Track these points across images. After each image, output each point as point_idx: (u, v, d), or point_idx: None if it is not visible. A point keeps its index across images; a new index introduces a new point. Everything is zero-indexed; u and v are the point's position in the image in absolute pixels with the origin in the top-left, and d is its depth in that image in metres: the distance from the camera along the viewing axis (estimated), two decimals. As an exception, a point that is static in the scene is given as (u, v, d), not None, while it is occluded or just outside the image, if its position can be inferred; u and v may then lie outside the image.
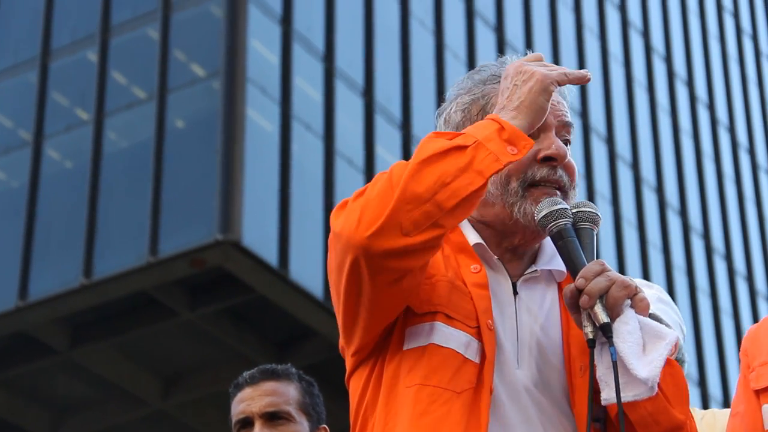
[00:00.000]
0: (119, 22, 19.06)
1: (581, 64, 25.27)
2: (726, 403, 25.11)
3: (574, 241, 2.31)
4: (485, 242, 2.38)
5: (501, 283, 2.36)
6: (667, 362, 2.25)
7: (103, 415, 19.23)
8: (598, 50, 26.17)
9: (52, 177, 18.81)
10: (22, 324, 17.86)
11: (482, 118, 2.36)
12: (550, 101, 2.31)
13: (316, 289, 17.49)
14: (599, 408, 2.27)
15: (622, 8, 27.44)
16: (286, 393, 3.55)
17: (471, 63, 22.28)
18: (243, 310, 17.95)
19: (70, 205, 18.24)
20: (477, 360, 2.26)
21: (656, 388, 2.21)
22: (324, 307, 17.53)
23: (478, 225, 2.40)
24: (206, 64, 18.29)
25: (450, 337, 2.27)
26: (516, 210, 2.34)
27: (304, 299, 17.42)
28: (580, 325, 2.26)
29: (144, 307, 17.79)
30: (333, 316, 18.66)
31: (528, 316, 2.34)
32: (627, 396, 2.21)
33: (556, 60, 24.41)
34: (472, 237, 2.38)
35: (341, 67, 19.51)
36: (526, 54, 2.40)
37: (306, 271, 17.46)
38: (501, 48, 23.20)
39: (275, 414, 3.50)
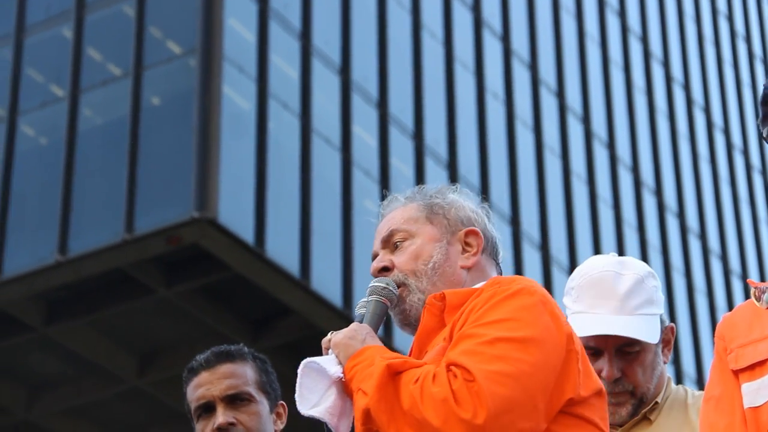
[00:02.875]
0: (95, -2, 18.98)
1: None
2: (700, 381, 25.29)
3: (365, 314, 2.76)
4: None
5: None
6: (360, 352, 2.61)
7: (79, 391, 19.23)
8: (575, 29, 26.22)
9: (27, 153, 18.74)
10: (-3, 301, 17.83)
11: None
12: (379, 233, 2.88)
13: (292, 267, 17.50)
14: None
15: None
16: (243, 374, 3.55)
17: (448, 42, 22.28)
18: (219, 287, 17.95)
19: (45, 181, 18.18)
20: None
21: (323, 418, 2.59)
22: (300, 285, 17.55)
23: None
24: (182, 42, 18.23)
25: None
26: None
27: (281, 277, 17.43)
28: None
29: (120, 284, 17.77)
30: (309, 294, 18.72)
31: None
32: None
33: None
34: None
35: (318, 45, 19.48)
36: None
37: (282, 249, 17.46)
38: (477, 28, 23.20)
39: (236, 396, 3.51)
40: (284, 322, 18.16)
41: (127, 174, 17.36)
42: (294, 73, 19.02)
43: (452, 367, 2.48)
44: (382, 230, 2.88)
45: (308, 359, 2.64)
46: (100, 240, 17.19)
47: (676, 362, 25.31)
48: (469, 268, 2.82)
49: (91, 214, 17.62)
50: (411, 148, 20.80)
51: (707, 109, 30.39)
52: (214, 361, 3.55)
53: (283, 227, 17.61)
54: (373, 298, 2.75)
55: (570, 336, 2.61)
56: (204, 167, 16.91)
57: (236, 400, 3.50)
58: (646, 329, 3.25)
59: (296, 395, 2.62)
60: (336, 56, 19.82)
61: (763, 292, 2.58)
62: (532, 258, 22.50)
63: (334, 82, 19.67)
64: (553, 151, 24.35)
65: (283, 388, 3.65)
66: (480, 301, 2.62)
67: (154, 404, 19.36)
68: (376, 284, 2.77)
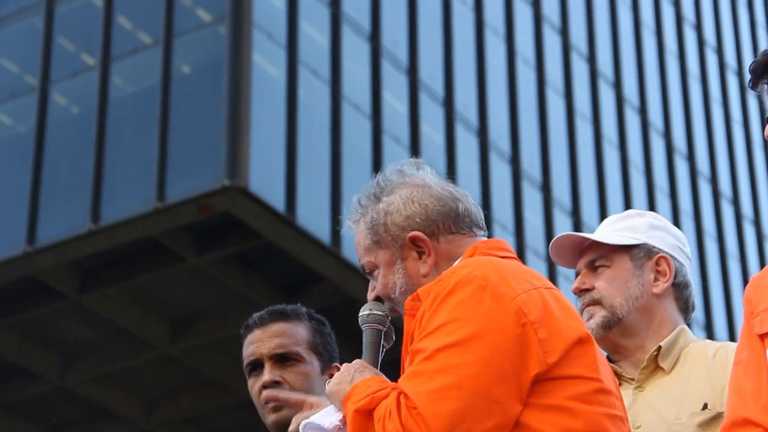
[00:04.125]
0: (125, -34, 18.99)
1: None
2: (732, 348, 25.19)
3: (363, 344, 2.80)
4: None
5: None
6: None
7: (112, 358, 19.37)
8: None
9: (58, 122, 18.81)
10: (31, 269, 17.95)
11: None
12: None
13: (323, 234, 17.53)
14: None
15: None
16: (295, 333, 3.55)
17: (478, 7, 22.18)
18: (250, 255, 18.01)
19: (77, 150, 18.26)
20: None
21: None
22: (331, 252, 17.58)
23: None
24: (212, 9, 18.22)
25: None
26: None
27: (311, 245, 17.47)
28: None
29: (151, 252, 17.85)
30: (339, 261, 18.77)
31: None
32: None
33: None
34: None
35: (347, 12, 19.43)
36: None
37: (313, 216, 17.49)
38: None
39: (285, 355, 3.51)
40: (315, 290, 18.21)
41: (158, 142, 17.40)
42: (324, 40, 18.99)
43: (400, 398, 2.50)
44: (357, 254, 2.93)
45: (305, 421, 2.73)
46: (132, 208, 17.26)
47: (709, 329, 25.24)
48: (426, 275, 2.77)
49: (123, 182, 17.69)
50: (441, 115, 20.75)
51: (740, 73, 30.16)
52: (268, 319, 3.56)
53: (314, 195, 17.63)
54: (364, 328, 2.78)
55: (519, 310, 2.55)
56: (234, 135, 16.93)
57: (284, 359, 3.49)
58: (598, 235, 3.35)
59: None
60: (366, 23, 19.77)
61: None
62: (563, 224, 22.44)
63: (364, 49, 19.63)
64: (584, 116, 24.24)
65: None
66: (427, 304, 2.61)
67: (186, 371, 19.48)
68: (361, 314, 2.80)
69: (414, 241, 2.78)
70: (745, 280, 27.10)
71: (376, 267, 2.82)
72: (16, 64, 19.65)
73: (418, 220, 2.79)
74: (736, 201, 28.30)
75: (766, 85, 2.57)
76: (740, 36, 30.73)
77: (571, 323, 2.62)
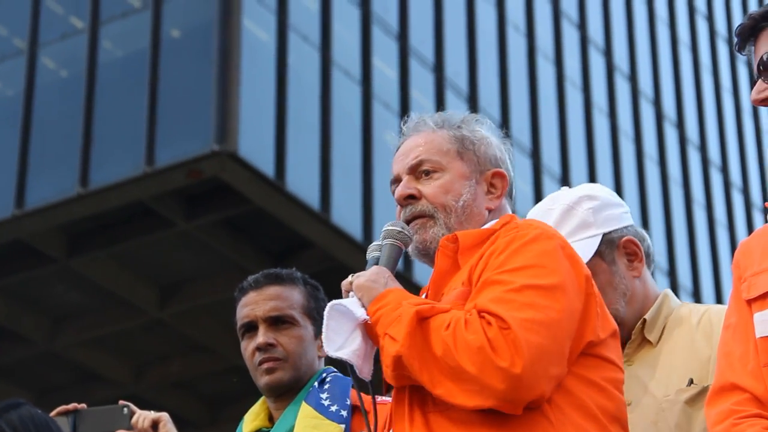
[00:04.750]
0: (114, -71, 18.87)
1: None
2: (719, 315, 25.27)
3: (380, 256, 2.75)
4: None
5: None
6: (407, 334, 2.53)
7: (101, 322, 19.38)
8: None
9: (47, 86, 18.73)
10: (20, 232, 17.92)
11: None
12: (406, 153, 2.84)
13: (312, 200, 17.52)
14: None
15: None
16: (290, 297, 3.56)
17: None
18: (239, 220, 18.00)
19: (65, 114, 18.20)
20: None
21: (350, 360, 2.61)
22: (320, 218, 17.58)
23: None
24: (202, -27, 18.13)
25: None
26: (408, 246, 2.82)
27: (301, 210, 17.46)
28: None
29: (140, 216, 17.83)
30: (329, 227, 18.75)
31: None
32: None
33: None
34: None
35: (338, -23, 19.35)
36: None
37: (302, 182, 17.47)
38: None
39: (279, 318, 3.52)
40: (304, 255, 18.22)
41: (147, 107, 17.35)
42: (313, 5, 18.92)
43: (485, 315, 2.48)
44: (408, 154, 2.83)
45: (334, 302, 2.65)
46: (120, 173, 17.22)
47: (696, 296, 25.32)
48: (491, 210, 2.81)
49: (112, 146, 17.65)
50: (431, 81, 20.71)
51: (730, 41, 30.13)
52: (263, 282, 3.57)
53: (304, 160, 17.60)
54: (389, 241, 2.75)
55: (588, 279, 2.63)
56: (224, 100, 16.89)
57: (279, 322, 3.52)
58: None
59: (323, 337, 2.65)
60: (356, -12, 19.69)
61: None
62: (552, 190, 22.38)
63: (354, 14, 19.57)
64: (574, 83, 24.22)
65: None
66: (499, 245, 2.61)
67: (175, 335, 19.51)
68: (392, 228, 2.75)
69: (495, 177, 2.84)
70: (734, 248, 27.16)
71: (439, 170, 2.80)
72: (5, 26, 19.55)
73: (504, 163, 2.89)
74: (725, 169, 28.34)
75: (753, 47, 2.59)
76: (731, 4, 30.69)
77: (609, 315, 2.74)
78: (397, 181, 2.84)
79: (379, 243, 2.77)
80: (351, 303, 2.64)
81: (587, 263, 3.12)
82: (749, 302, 2.56)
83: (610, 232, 3.26)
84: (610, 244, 3.26)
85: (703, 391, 3.08)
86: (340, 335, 2.62)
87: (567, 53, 24.21)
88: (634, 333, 3.23)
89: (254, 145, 16.99)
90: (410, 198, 2.78)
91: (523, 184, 21.88)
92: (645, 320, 3.23)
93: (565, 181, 22.88)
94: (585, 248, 3.20)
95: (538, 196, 21.91)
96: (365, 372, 2.65)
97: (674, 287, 24.84)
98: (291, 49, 18.13)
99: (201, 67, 17.38)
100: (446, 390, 2.47)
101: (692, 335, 3.20)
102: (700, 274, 25.89)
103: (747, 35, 2.59)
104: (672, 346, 3.21)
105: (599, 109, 24.71)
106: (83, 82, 18.06)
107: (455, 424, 2.51)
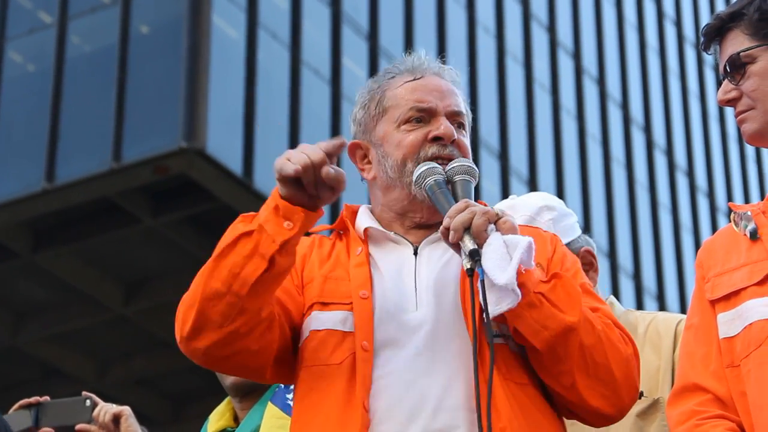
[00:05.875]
0: (84, -77, 18.79)
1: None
2: (683, 319, 25.39)
3: (443, 192, 2.53)
4: (389, 223, 2.65)
5: (401, 251, 2.62)
6: (555, 275, 2.45)
7: (65, 318, 19.29)
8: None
9: (14, 80, 18.63)
10: (-16, 227, 17.83)
11: (378, 112, 2.70)
12: (442, 92, 2.67)
13: (279, 198, 17.48)
14: (496, 326, 2.47)
15: None
16: None
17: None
18: (206, 217, 17.95)
19: (32, 108, 18.10)
20: (353, 329, 2.51)
21: (519, 292, 2.38)
22: (287, 216, 17.54)
23: (381, 209, 2.69)
24: (172, -31, 18.08)
25: (325, 320, 2.55)
26: (414, 186, 2.59)
27: (268, 208, 17.41)
28: None
29: (106, 212, 17.76)
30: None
31: (427, 269, 2.58)
32: (502, 307, 2.39)
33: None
34: (363, 224, 2.67)
35: (308, -25, 19.34)
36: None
37: (270, 179, 17.40)
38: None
39: None
40: (271, 253, 18.18)
41: (115, 102, 17.28)
42: (284, 3, 18.90)
43: (618, 330, 2.53)
44: (448, 97, 2.71)
45: (477, 268, 2.41)
46: (87, 168, 17.15)
47: (661, 299, 25.45)
48: None
49: (79, 142, 17.57)
50: (400, 81, 20.71)
51: (697, 46, 30.32)
52: None
53: (271, 158, 17.45)
54: (465, 177, 2.58)
55: None
56: (192, 97, 16.84)
57: None
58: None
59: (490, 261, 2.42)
60: (326, -13, 19.68)
61: (741, 218, 2.58)
62: (519, 192, 22.46)
63: (324, 13, 19.56)
64: (543, 86, 24.29)
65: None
66: (559, 250, 2.64)
67: (139, 332, 19.44)
68: (467, 164, 2.60)
69: None
70: (697, 251, 27.31)
71: (465, 130, 2.69)
72: (-28, 20, 19.43)
73: None
74: (691, 173, 28.49)
75: (718, 47, 2.61)
76: (699, 7, 30.85)
77: None
78: (424, 111, 2.66)
79: (436, 177, 2.56)
80: (494, 264, 2.39)
81: None
82: (713, 303, 2.56)
83: (569, 243, 3.25)
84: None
85: (654, 403, 3.09)
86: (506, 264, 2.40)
87: (536, 56, 24.27)
88: None
89: (222, 142, 16.95)
90: (452, 143, 2.64)
91: (490, 186, 21.92)
92: None
93: (532, 182, 22.95)
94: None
95: (505, 198, 21.95)
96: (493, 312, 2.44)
97: (639, 290, 24.96)
98: (260, 47, 18.11)
99: (170, 64, 17.32)
100: (578, 380, 2.45)
101: (640, 347, 3.15)
102: (664, 278, 26.02)
103: (713, 35, 2.61)
104: None
105: (567, 111, 24.79)
106: (51, 77, 17.97)
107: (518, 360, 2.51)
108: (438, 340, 2.48)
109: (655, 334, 3.21)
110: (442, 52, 20.66)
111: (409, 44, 20.97)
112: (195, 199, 17.53)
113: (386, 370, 2.46)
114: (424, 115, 2.66)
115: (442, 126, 2.64)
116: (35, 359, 19.90)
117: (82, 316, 19.20)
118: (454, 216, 2.45)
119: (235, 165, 17.00)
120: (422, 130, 2.64)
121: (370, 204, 2.79)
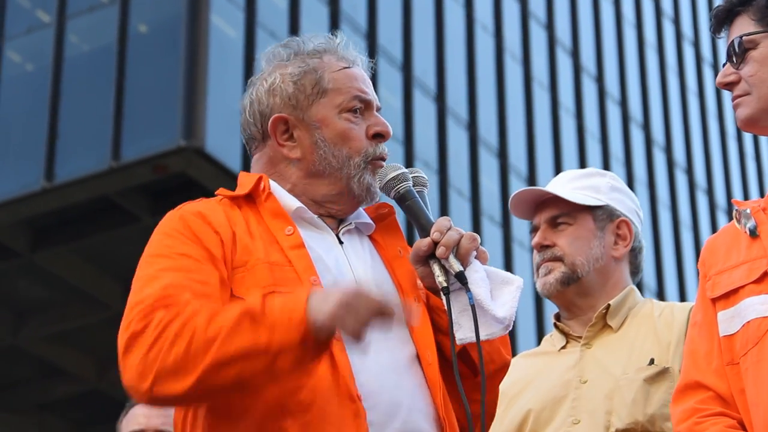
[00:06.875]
0: None
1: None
2: (682, 316, 25.41)
3: (418, 201, 2.54)
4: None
5: (325, 237, 2.57)
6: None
7: (64, 317, 19.29)
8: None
9: (13, 79, 18.63)
10: (-17, 227, 17.83)
11: (316, 92, 2.60)
12: (369, 85, 2.67)
13: (278, 196, 17.50)
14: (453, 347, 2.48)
15: None
16: None
17: (438, -28, 22.13)
18: (205, 216, 17.94)
19: (31, 108, 18.11)
20: None
21: (510, 327, 2.45)
22: (286, 214, 17.55)
23: (296, 190, 2.62)
24: (170, -32, 18.08)
25: None
26: (355, 181, 2.56)
27: (267, 206, 17.43)
28: (424, 276, 2.51)
29: (105, 211, 17.77)
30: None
31: (356, 260, 2.56)
32: (482, 335, 2.43)
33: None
34: (292, 202, 2.58)
35: (307, -26, 19.35)
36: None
37: (269, 178, 17.44)
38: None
39: None
40: (270, 252, 18.19)
41: (113, 101, 17.29)
42: (282, 2, 18.91)
43: None
44: (370, 89, 2.71)
45: (474, 301, 2.44)
46: (86, 167, 17.16)
47: (660, 296, 25.46)
48: None
49: (78, 141, 17.58)
50: (399, 80, 20.73)
51: (696, 44, 30.32)
52: None
53: (270, 157, 17.57)
54: (422, 188, 2.61)
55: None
56: (191, 96, 16.85)
57: None
58: (562, 191, 3.34)
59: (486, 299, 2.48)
60: (325, -15, 19.69)
61: (742, 215, 2.59)
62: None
63: (322, 12, 19.56)
64: (542, 84, 24.30)
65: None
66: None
67: (140, 331, 19.42)
68: (424, 175, 2.63)
69: None
70: (697, 248, 27.34)
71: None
72: (-29, 19, 19.43)
73: None
74: (690, 170, 28.50)
75: (726, 31, 2.62)
76: (697, 5, 30.86)
77: None
78: (364, 102, 2.66)
79: (407, 184, 2.57)
80: (495, 303, 2.46)
81: (574, 209, 3.31)
82: (713, 301, 2.58)
83: (615, 209, 3.39)
84: (609, 215, 3.38)
85: (663, 371, 3.15)
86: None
87: (535, 54, 24.28)
88: (596, 317, 3.30)
89: (221, 141, 16.96)
90: (381, 137, 2.64)
91: (490, 183, 21.93)
92: (609, 306, 3.31)
93: (531, 180, 22.96)
94: (579, 196, 3.34)
95: (504, 195, 21.98)
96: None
97: (639, 287, 24.87)
98: (259, 46, 18.10)
99: (168, 63, 17.33)
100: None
101: (654, 324, 3.28)
102: (664, 275, 26.03)
103: (722, 18, 2.62)
104: (633, 333, 3.28)
105: (566, 109, 24.80)
106: (49, 77, 17.98)
107: None
108: (385, 335, 2.42)
109: (669, 314, 3.30)
110: (440, 50, 20.74)
111: (407, 43, 20.98)
112: (194, 197, 17.28)
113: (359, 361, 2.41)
114: (362, 107, 2.65)
115: (381, 122, 2.65)
116: (35, 358, 19.91)
117: (81, 315, 19.21)
118: (443, 232, 2.47)
119: (234, 163, 17.00)
120: (364, 124, 2.62)
121: (259, 173, 2.76)
